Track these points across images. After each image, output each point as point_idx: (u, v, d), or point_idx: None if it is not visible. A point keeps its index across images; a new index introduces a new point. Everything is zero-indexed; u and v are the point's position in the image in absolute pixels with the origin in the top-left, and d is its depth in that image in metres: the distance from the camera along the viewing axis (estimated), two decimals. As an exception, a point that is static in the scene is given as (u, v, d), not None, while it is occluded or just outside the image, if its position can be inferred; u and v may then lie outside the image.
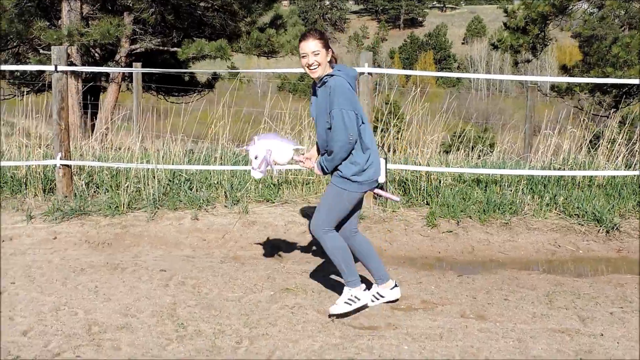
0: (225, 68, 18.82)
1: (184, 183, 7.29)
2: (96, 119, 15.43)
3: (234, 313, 4.61)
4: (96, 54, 15.93)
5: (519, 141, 9.88)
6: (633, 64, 17.26)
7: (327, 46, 4.42)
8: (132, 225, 6.58)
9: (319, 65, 4.39)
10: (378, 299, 4.79)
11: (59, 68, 7.01)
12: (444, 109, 8.43)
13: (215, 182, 7.29)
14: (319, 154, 4.74)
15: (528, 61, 25.63)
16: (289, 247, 6.19)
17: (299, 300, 4.86)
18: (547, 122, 8.54)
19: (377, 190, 4.71)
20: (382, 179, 4.71)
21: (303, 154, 4.81)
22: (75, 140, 9.07)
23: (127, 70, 14.33)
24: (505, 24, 20.11)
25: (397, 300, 4.81)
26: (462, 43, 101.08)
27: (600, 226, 6.57)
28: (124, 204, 6.83)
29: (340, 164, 4.39)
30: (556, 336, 4.32)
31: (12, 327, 4.30)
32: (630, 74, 17.22)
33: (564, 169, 7.51)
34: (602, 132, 9.33)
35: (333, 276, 5.39)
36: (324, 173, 4.55)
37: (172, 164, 7.49)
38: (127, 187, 7.11)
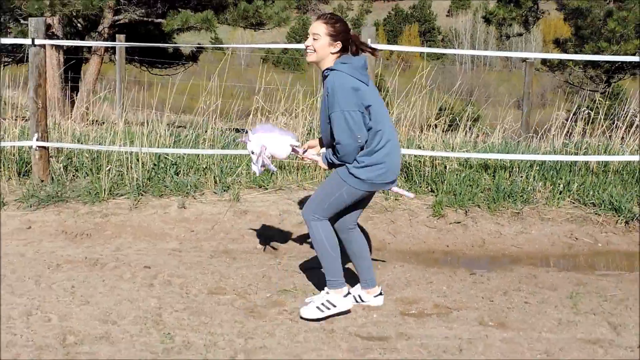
0: (209, 39, 18.21)
1: (170, 167, 6.75)
2: (77, 93, 14.83)
3: (227, 320, 4.12)
4: (79, 25, 15.29)
5: (511, 118, 9.31)
6: (630, 38, 16.82)
7: (334, 35, 3.93)
8: (113, 213, 6.05)
9: (315, 51, 3.95)
10: (357, 302, 4.39)
11: (37, 42, 6.44)
12: (429, 83, 7.82)
13: (204, 167, 6.76)
14: (321, 145, 4.30)
15: (520, 34, 25.16)
16: (285, 239, 5.69)
17: (299, 303, 4.37)
18: (531, 96, 8.05)
19: (393, 188, 4.23)
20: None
21: (301, 146, 4.33)
22: (55, 116, 8.47)
23: (108, 44, 13.66)
24: (497, -4, 19.72)
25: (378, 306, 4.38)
26: (447, 15, 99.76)
27: (619, 216, 6.11)
28: (105, 190, 6.29)
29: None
30: (587, 348, 3.87)
31: (-24, 337, 3.79)
32: (626, 48, 16.78)
33: (578, 154, 7.03)
34: (588, 105, 8.86)
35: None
36: (330, 167, 4.10)
37: (158, 147, 6.94)
38: (109, 170, 6.56)
